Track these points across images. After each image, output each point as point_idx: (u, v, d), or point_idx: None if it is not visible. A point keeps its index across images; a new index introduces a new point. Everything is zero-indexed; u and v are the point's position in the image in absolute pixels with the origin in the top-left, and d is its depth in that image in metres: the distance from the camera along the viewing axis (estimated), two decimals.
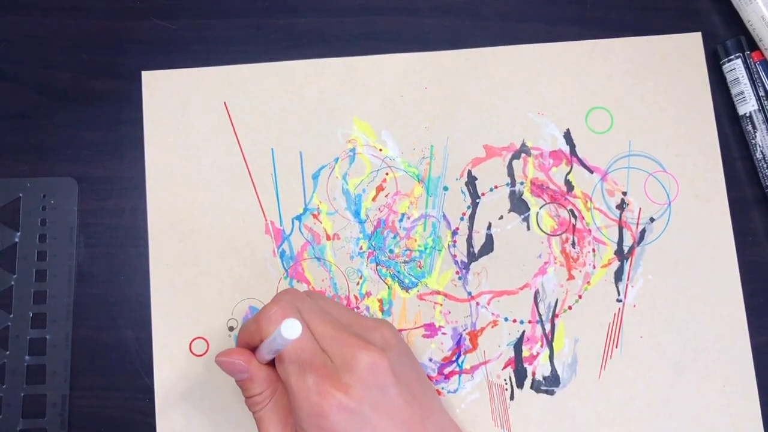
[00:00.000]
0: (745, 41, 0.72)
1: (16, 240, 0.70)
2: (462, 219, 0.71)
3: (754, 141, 0.71)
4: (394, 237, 0.70)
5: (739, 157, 0.73)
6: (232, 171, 0.71)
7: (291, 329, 0.51)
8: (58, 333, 0.69)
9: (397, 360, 0.58)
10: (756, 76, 0.71)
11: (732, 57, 0.72)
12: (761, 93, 0.71)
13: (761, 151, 0.71)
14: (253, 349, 0.60)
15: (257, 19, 0.74)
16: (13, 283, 0.70)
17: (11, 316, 0.69)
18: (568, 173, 0.72)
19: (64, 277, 0.70)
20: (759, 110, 0.71)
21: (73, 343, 0.69)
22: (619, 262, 0.70)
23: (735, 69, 0.72)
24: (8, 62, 0.73)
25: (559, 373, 0.69)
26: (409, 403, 0.57)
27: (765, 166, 0.70)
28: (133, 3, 0.74)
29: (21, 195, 0.71)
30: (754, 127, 0.71)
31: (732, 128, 0.73)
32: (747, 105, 0.71)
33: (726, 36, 0.74)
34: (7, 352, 0.69)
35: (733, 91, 0.72)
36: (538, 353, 0.69)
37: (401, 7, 0.74)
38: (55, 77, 0.73)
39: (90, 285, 0.70)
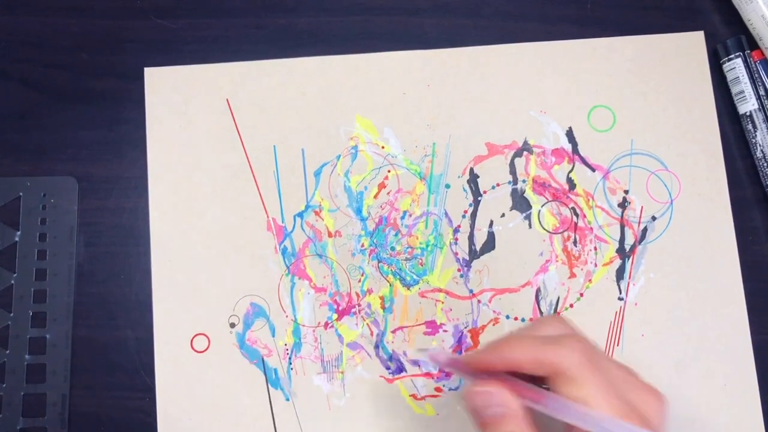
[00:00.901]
0: (746, 40, 0.72)
1: (16, 239, 0.70)
2: (464, 217, 0.71)
3: (754, 140, 0.71)
4: (396, 234, 0.70)
5: (740, 156, 0.73)
6: (234, 168, 0.71)
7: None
8: (58, 332, 0.69)
9: None
10: (756, 75, 0.72)
11: (732, 56, 0.72)
12: (761, 92, 0.71)
13: (761, 150, 0.71)
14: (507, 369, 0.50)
15: (257, 19, 0.74)
16: (13, 282, 0.70)
17: (11, 315, 0.69)
18: (570, 171, 0.72)
19: (64, 276, 0.70)
20: (759, 109, 0.71)
21: (73, 342, 0.69)
22: (621, 261, 0.70)
23: (735, 68, 0.72)
24: (8, 62, 0.73)
25: None
26: None
27: (765, 165, 0.70)
28: (133, 3, 0.74)
29: (21, 194, 0.71)
30: (754, 126, 0.71)
31: (732, 127, 0.73)
32: (747, 104, 0.71)
33: (726, 35, 0.74)
34: (7, 351, 0.69)
35: (734, 90, 0.72)
36: None
37: (401, 6, 0.74)
38: (55, 77, 0.73)
39: (90, 284, 0.70)
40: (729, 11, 0.74)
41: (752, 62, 0.72)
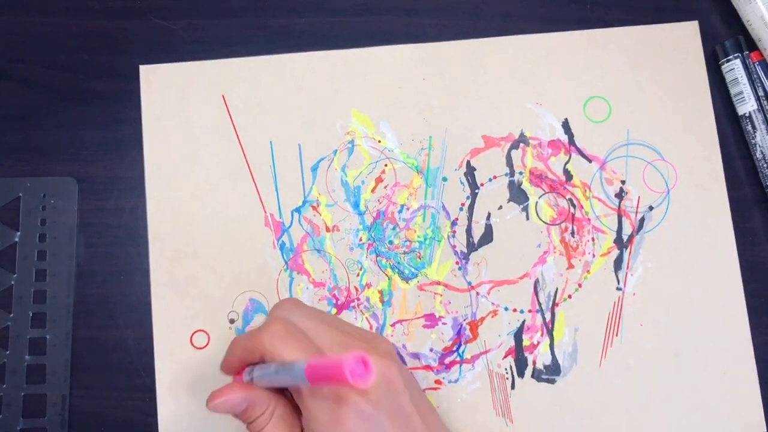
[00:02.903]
0: (744, 41, 0.72)
1: (16, 240, 0.70)
2: (461, 209, 0.71)
3: (753, 141, 0.71)
4: (394, 228, 0.71)
5: (739, 157, 0.73)
6: (231, 164, 0.71)
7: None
8: (58, 332, 0.69)
9: (402, 369, 0.58)
10: (755, 76, 0.72)
11: (731, 57, 0.72)
12: (760, 93, 0.71)
13: (761, 151, 0.71)
14: (243, 364, 0.58)
15: (257, 19, 0.74)
16: (13, 282, 0.70)
17: (11, 315, 0.69)
18: (567, 162, 0.72)
19: (64, 276, 0.70)
20: (758, 110, 0.71)
21: (73, 342, 0.69)
22: (619, 251, 0.70)
23: (734, 69, 0.72)
24: (8, 62, 0.73)
25: (560, 361, 0.69)
26: (416, 413, 0.55)
27: (765, 165, 0.70)
28: (133, 3, 0.74)
29: (21, 195, 0.71)
30: (753, 127, 0.71)
31: (732, 128, 0.73)
32: (746, 105, 0.71)
33: (725, 36, 0.74)
34: (7, 352, 0.69)
35: (732, 91, 0.72)
36: (538, 342, 0.69)
37: (401, 6, 0.74)
38: (55, 77, 0.73)
39: (90, 285, 0.70)
40: (728, 12, 0.74)
41: (751, 63, 0.72)
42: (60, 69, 0.73)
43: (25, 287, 0.70)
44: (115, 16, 0.74)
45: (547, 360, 0.69)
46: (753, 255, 0.71)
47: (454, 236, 0.71)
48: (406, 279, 0.70)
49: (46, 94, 0.73)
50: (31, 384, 0.68)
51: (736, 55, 0.72)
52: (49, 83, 0.73)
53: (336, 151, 0.71)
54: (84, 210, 0.71)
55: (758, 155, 0.71)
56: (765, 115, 0.71)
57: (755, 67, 0.72)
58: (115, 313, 0.70)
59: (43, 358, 0.69)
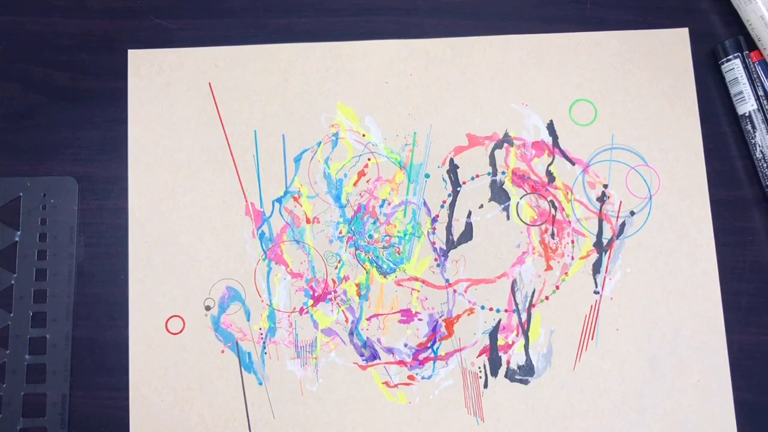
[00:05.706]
0: (744, 41, 0.72)
1: (17, 239, 0.70)
2: (442, 206, 0.71)
3: (753, 141, 0.71)
4: (374, 222, 0.71)
5: (739, 157, 0.73)
6: (214, 151, 0.71)
7: None
8: (58, 332, 0.69)
9: None
10: (755, 76, 0.71)
11: (731, 57, 0.72)
12: (760, 93, 0.71)
13: (761, 151, 0.70)
14: None
15: (257, 19, 0.74)
16: (13, 282, 0.70)
17: (11, 315, 0.69)
18: (550, 164, 0.72)
19: (64, 276, 0.70)
20: (758, 110, 0.71)
21: (73, 342, 0.69)
22: (598, 255, 0.70)
23: (734, 69, 0.72)
24: (8, 62, 0.73)
25: (534, 362, 0.69)
26: None
27: (765, 165, 0.70)
28: (133, 3, 0.74)
29: (21, 194, 0.71)
30: (753, 127, 0.71)
31: (731, 128, 0.73)
32: (746, 105, 0.71)
33: (725, 35, 0.74)
34: (8, 352, 0.69)
35: (732, 90, 0.72)
36: (513, 342, 0.69)
37: (401, 7, 0.75)
38: (55, 77, 0.73)
39: (90, 284, 0.70)
40: (728, 12, 0.74)
41: (750, 63, 0.72)
42: (60, 69, 0.73)
43: (25, 287, 0.70)
44: (115, 16, 0.74)
45: (522, 360, 0.69)
46: (753, 255, 0.71)
47: (434, 233, 0.71)
48: (384, 273, 0.70)
49: (46, 94, 0.73)
50: (31, 384, 0.68)
51: (735, 54, 0.72)
52: (49, 83, 0.73)
53: (320, 143, 0.71)
54: (84, 210, 0.71)
55: (758, 155, 0.71)
56: (765, 115, 0.71)
57: (755, 67, 0.72)
58: (115, 313, 0.70)
59: (43, 357, 0.69)
